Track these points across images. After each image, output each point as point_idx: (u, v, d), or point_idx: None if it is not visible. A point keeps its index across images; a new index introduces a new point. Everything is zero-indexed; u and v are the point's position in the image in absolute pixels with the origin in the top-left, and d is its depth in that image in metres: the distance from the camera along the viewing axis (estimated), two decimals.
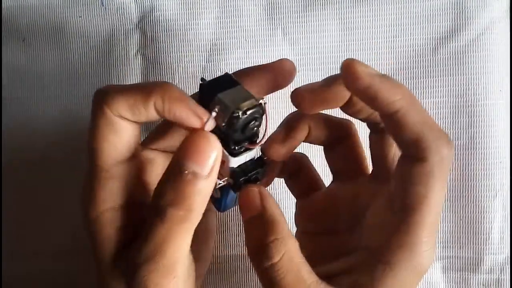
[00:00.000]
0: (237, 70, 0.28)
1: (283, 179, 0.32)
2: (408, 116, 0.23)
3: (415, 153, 0.23)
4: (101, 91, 0.25)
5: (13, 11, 0.39)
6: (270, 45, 0.37)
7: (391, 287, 0.24)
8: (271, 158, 0.27)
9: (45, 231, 0.39)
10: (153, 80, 0.25)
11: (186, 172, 0.22)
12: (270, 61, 0.37)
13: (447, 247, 0.37)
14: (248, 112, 0.24)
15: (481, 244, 0.36)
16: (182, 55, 0.38)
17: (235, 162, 0.26)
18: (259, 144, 0.26)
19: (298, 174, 0.31)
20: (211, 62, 0.38)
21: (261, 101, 0.24)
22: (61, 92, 0.39)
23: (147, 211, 0.24)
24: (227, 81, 0.25)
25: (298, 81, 0.36)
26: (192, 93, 0.31)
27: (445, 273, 0.37)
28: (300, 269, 0.24)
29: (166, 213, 0.22)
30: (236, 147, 0.25)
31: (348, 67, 0.23)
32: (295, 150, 0.29)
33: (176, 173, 0.22)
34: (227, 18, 0.37)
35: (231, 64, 0.37)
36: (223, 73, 0.27)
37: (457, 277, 0.37)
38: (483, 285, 0.36)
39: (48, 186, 0.38)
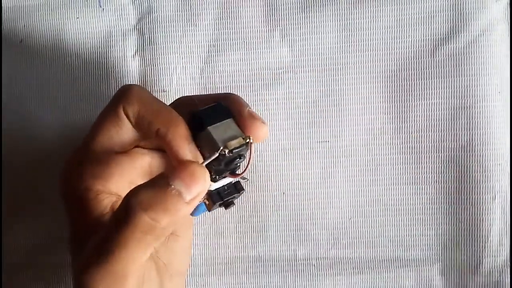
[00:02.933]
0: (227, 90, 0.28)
1: None
2: None
3: None
4: (126, 89, 0.27)
5: (10, 12, 0.39)
6: (268, 46, 0.37)
7: None
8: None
9: (46, 233, 0.39)
10: (169, 110, 0.26)
11: (173, 186, 0.23)
12: (268, 63, 0.37)
13: (446, 249, 0.37)
14: (235, 151, 0.25)
15: (479, 247, 0.36)
16: (180, 57, 0.38)
17: (213, 186, 0.27)
18: (240, 176, 0.27)
19: None
20: (209, 63, 0.38)
21: (248, 140, 0.25)
22: (58, 93, 0.39)
23: (114, 212, 0.24)
24: (219, 112, 0.26)
25: (296, 84, 0.37)
26: (185, 96, 0.31)
27: (444, 275, 0.37)
28: None
29: (135, 215, 0.22)
30: (217, 176, 0.27)
31: None
32: None
33: (162, 184, 0.23)
34: (225, 20, 0.37)
35: (229, 66, 0.37)
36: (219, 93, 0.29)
37: (456, 279, 0.37)
38: (481, 287, 0.36)
39: (47, 187, 0.38)
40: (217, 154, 0.25)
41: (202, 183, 0.24)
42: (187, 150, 0.25)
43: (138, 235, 0.22)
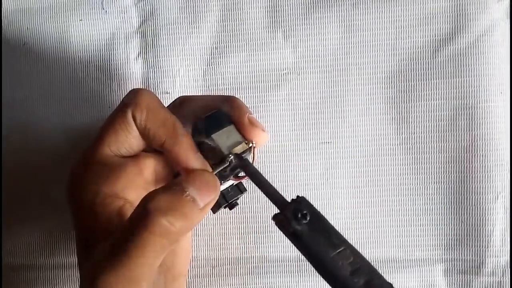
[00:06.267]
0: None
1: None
2: None
3: None
4: (136, 93, 0.27)
5: (14, 15, 0.39)
6: (270, 48, 0.37)
7: None
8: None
9: (47, 233, 0.39)
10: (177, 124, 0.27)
11: (188, 193, 0.23)
12: (271, 64, 0.37)
13: (449, 249, 0.37)
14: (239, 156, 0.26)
15: (482, 247, 0.36)
16: (182, 59, 0.38)
17: None
18: (244, 179, 0.28)
19: None
20: (211, 65, 0.38)
21: (250, 144, 0.27)
22: (61, 96, 0.39)
23: (130, 217, 0.24)
24: (219, 118, 0.27)
25: (299, 84, 0.37)
26: (184, 96, 0.31)
27: (447, 276, 0.37)
28: None
29: (153, 218, 0.22)
30: (222, 181, 0.28)
31: None
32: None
33: (178, 190, 0.24)
34: (227, 21, 0.38)
35: (232, 67, 0.38)
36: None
37: (459, 280, 0.37)
38: (484, 287, 0.36)
39: (49, 188, 0.38)
40: (227, 163, 0.26)
41: (214, 191, 0.25)
42: (194, 160, 0.26)
43: (155, 238, 0.22)
